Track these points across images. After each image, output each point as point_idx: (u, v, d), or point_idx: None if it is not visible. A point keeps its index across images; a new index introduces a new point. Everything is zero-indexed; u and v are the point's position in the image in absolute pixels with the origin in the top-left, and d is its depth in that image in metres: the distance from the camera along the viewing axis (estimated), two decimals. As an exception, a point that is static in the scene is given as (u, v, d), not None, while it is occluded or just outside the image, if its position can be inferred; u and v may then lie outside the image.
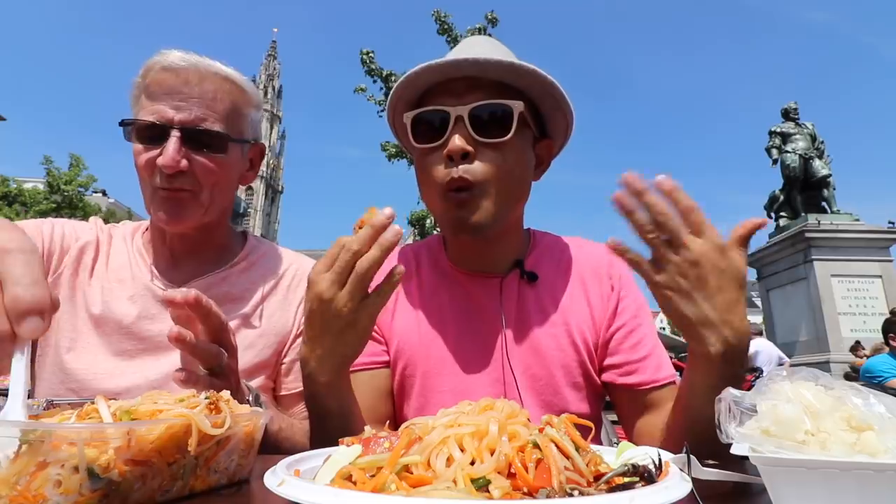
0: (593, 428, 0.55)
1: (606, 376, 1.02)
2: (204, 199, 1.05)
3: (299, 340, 1.11)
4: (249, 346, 1.08)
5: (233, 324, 1.06)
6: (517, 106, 0.90)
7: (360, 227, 0.77)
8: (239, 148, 1.09)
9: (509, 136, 0.90)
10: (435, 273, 1.09)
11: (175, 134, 0.98)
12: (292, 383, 1.11)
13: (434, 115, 0.92)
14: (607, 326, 1.02)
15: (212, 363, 0.77)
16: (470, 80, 0.92)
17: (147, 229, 1.18)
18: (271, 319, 1.12)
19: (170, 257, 1.13)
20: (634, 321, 1.03)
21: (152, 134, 0.99)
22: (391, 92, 0.98)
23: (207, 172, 1.02)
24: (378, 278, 0.76)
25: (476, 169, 0.90)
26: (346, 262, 0.72)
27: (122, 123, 1.02)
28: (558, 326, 1.01)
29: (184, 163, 0.99)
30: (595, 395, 1.03)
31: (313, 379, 0.79)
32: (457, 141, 0.88)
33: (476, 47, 1.00)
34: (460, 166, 0.89)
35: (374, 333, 1.03)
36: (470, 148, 0.89)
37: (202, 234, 1.13)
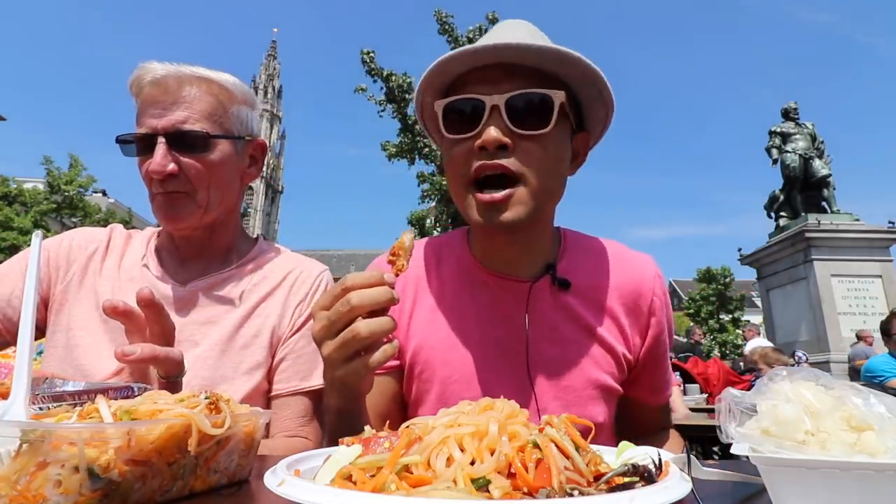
0: (593, 428, 0.55)
1: (635, 392, 1.03)
2: (201, 199, 1.07)
3: (291, 340, 1.12)
4: (245, 347, 1.09)
5: (231, 323, 1.10)
6: (558, 96, 0.84)
7: (394, 256, 0.73)
8: (229, 145, 1.11)
9: (549, 127, 0.84)
10: (458, 272, 1.02)
11: (161, 140, 1.02)
12: (278, 385, 1.11)
13: (467, 104, 0.86)
14: (643, 351, 1.00)
15: (172, 371, 0.81)
16: (506, 68, 0.85)
17: (160, 233, 1.23)
18: (268, 320, 1.13)
19: (178, 258, 1.17)
20: (666, 347, 1.03)
21: (143, 145, 1.05)
22: (421, 79, 0.90)
23: (198, 172, 1.06)
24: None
25: (514, 160, 0.83)
26: (340, 313, 0.67)
27: (118, 141, 1.08)
28: (591, 338, 0.97)
29: (171, 166, 1.03)
30: (614, 402, 1.01)
31: (328, 397, 0.80)
32: (492, 132, 0.82)
33: (514, 32, 0.92)
34: (497, 158, 0.83)
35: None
36: (507, 140, 0.83)
37: (207, 235, 1.15)
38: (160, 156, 1.01)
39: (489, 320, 0.97)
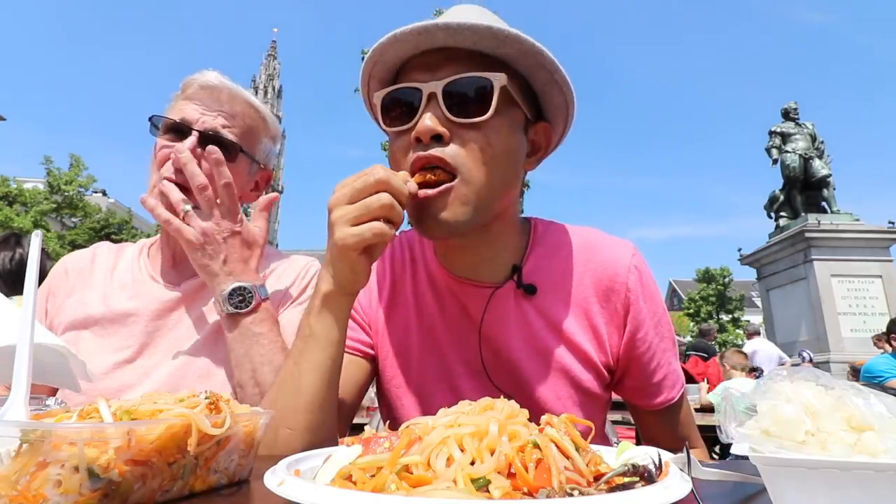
0: (593, 428, 0.55)
1: (623, 394, 0.99)
2: None
3: (281, 316, 1.15)
4: None
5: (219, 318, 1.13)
6: (498, 79, 0.78)
7: None
8: (247, 163, 1.19)
9: (489, 114, 0.78)
10: (426, 276, 0.97)
11: (195, 134, 1.10)
12: None
13: (405, 93, 0.81)
14: (622, 352, 0.93)
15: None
16: (447, 52, 0.80)
17: (154, 243, 1.29)
18: None
19: (171, 261, 1.21)
20: (653, 344, 0.93)
21: (175, 130, 1.12)
22: (361, 70, 0.86)
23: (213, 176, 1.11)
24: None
25: (451, 152, 0.78)
26: (367, 183, 0.71)
27: (151, 119, 1.15)
28: (565, 344, 0.90)
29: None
30: (602, 407, 0.98)
31: (314, 295, 0.79)
32: (427, 121, 0.77)
33: (458, 14, 0.85)
34: (432, 149, 0.78)
35: (361, 323, 0.98)
36: (442, 129, 0.78)
37: None
38: (190, 144, 1.08)
39: (456, 330, 0.93)
